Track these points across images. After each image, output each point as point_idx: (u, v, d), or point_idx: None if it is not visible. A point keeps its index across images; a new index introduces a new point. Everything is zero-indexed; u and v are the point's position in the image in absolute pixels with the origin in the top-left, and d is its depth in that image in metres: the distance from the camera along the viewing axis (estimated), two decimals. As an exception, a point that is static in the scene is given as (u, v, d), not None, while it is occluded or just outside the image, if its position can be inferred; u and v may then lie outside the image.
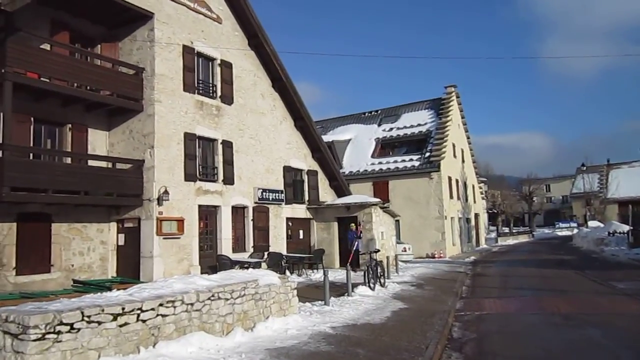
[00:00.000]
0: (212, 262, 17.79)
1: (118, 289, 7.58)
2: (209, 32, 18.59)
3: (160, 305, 7.03)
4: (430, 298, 14.73)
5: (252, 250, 19.69)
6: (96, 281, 9.00)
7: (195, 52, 17.88)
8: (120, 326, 6.45)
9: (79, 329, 5.95)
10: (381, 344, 8.76)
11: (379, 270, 15.95)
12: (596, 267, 22.18)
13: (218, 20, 19.01)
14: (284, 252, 20.83)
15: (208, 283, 8.23)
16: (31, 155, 14.31)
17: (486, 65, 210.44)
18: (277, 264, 18.35)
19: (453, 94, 36.48)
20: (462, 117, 39.41)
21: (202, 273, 17.28)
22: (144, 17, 16.30)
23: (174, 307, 7.25)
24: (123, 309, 6.48)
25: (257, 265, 17.50)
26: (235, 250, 18.90)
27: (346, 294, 13.85)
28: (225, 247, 18.46)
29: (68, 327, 5.84)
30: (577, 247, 36.49)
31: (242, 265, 17.46)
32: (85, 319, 6.04)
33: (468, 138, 40.94)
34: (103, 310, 6.25)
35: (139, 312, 6.71)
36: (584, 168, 45.21)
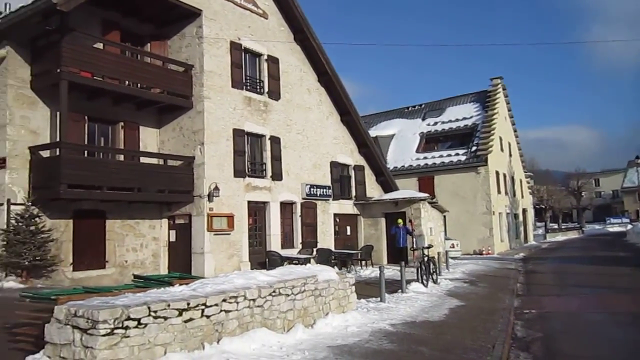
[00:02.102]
0: (261, 259, 17.78)
1: (180, 285, 7.51)
2: (256, 27, 18.55)
3: (224, 300, 6.91)
4: (485, 295, 14.32)
5: (300, 246, 19.59)
6: (156, 276, 8.98)
7: (243, 48, 17.88)
8: (185, 322, 6.36)
9: (146, 324, 5.87)
10: (444, 342, 8.48)
11: (431, 266, 15.61)
12: (657, 265, 21.15)
13: (264, 15, 18.95)
14: (332, 249, 20.65)
15: (268, 279, 8.09)
16: (86, 152, 14.55)
17: (528, 60, 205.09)
18: (326, 260, 18.16)
19: (499, 86, 35.50)
20: (509, 110, 38.39)
21: (252, 269, 17.33)
22: (192, 14, 16.37)
23: (237, 302, 7.13)
24: (188, 304, 6.39)
25: (306, 262, 17.33)
26: (283, 246, 18.83)
27: (400, 290, 13.60)
28: (274, 243, 18.41)
29: (135, 322, 5.77)
30: (632, 244, 34.94)
31: (292, 261, 17.38)
32: (152, 314, 5.96)
33: (515, 131, 39.85)
34: (169, 306, 6.16)
35: (203, 307, 6.60)
36: (638, 161, 43.26)
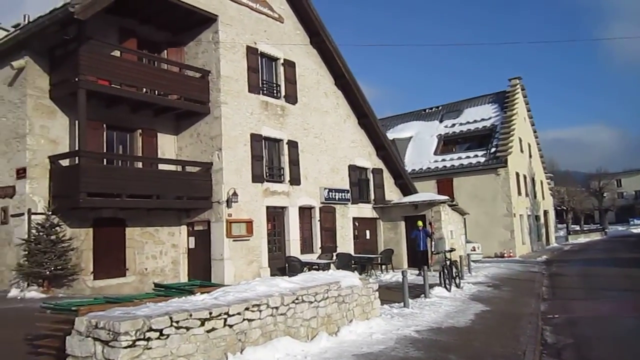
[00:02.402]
0: (280, 264, 17.63)
1: (201, 293, 7.36)
2: (271, 32, 18.46)
3: (246, 309, 6.74)
4: (510, 300, 14.01)
5: (319, 251, 19.41)
6: (177, 285, 8.86)
7: (259, 52, 17.80)
8: (208, 331, 6.19)
9: (168, 335, 5.71)
10: (473, 349, 8.22)
11: (454, 270, 15.32)
12: (685, 267, 20.59)
13: (280, 19, 18.86)
14: (352, 253, 20.42)
15: (291, 285, 7.91)
16: (105, 161, 14.55)
17: (545, 61, 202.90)
18: (346, 265, 17.95)
19: (518, 86, 35.03)
20: (528, 110, 37.87)
21: (271, 275, 17.19)
22: (208, 20, 16.33)
23: (260, 311, 6.95)
24: (210, 313, 6.23)
25: (326, 267, 17.17)
26: (303, 251, 18.66)
27: (422, 295, 13.32)
28: (294, 248, 18.25)
29: (157, 333, 5.61)
30: (658, 245, 34.24)
31: (312, 266, 17.20)
32: (174, 324, 5.80)
33: (534, 132, 39.29)
34: (191, 315, 6.00)
35: (225, 316, 6.42)
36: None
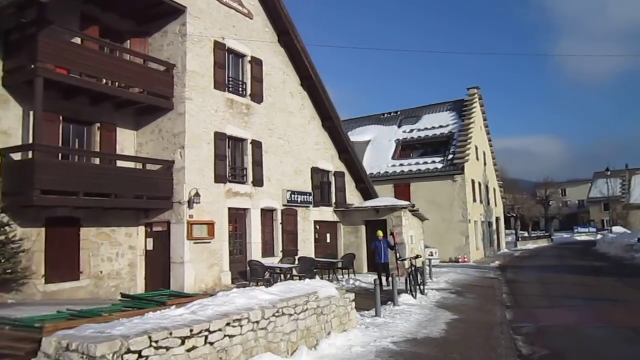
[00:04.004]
0: (242, 268, 17.12)
1: (175, 305, 6.82)
2: (240, 27, 17.86)
3: (227, 324, 6.26)
4: (476, 307, 14.08)
5: (281, 254, 18.95)
6: (146, 295, 8.24)
7: (226, 48, 17.16)
8: (188, 350, 5.68)
9: (147, 357, 5.18)
10: (454, 362, 8.03)
11: (418, 277, 15.23)
12: (635, 275, 21.29)
13: (249, 15, 18.28)
14: (313, 256, 20.04)
15: (270, 297, 7.47)
16: (60, 156, 13.61)
17: (498, 70, 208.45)
18: (308, 269, 17.56)
19: (476, 95, 35.65)
20: (484, 120, 38.61)
21: (232, 279, 16.67)
22: (175, 11, 15.58)
23: (241, 326, 6.48)
24: (191, 330, 5.72)
25: (288, 271, 16.77)
26: (264, 254, 18.13)
27: (391, 303, 13.13)
28: (255, 251, 17.72)
29: (136, 356, 5.07)
30: (603, 253, 35.49)
31: (274, 271, 16.74)
32: (153, 344, 5.26)
33: (489, 140, 40.07)
34: (171, 334, 5.47)
35: (206, 333, 5.93)
36: (608, 172, 44.14)
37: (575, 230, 66.82)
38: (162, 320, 5.86)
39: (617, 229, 42.55)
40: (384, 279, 17.04)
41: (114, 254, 15.01)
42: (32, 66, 12.10)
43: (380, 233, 18.29)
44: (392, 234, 20.54)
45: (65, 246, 13.59)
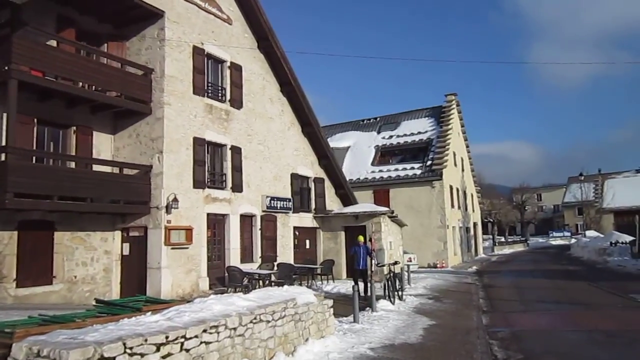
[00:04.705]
0: (220, 274, 17.00)
1: (151, 311, 6.73)
2: (219, 33, 17.81)
3: (204, 331, 6.19)
4: (453, 312, 14.16)
5: (260, 260, 18.87)
6: (120, 301, 8.11)
7: (205, 53, 17.09)
8: (164, 357, 5.59)
9: (121, 364, 5.10)
10: (431, 368, 8.07)
11: (397, 283, 15.26)
12: (607, 279, 21.66)
13: (228, 21, 18.24)
14: (292, 262, 19.98)
15: (248, 303, 7.42)
16: (34, 159, 13.39)
17: (474, 75, 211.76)
18: (287, 275, 17.51)
19: (454, 102, 36.05)
20: (462, 126, 39.01)
21: (210, 285, 16.53)
22: (154, 15, 15.48)
23: (218, 332, 6.42)
24: (167, 337, 5.64)
25: (267, 277, 16.69)
26: (243, 260, 18.04)
27: (369, 309, 13.13)
28: (234, 257, 17.62)
29: (109, 363, 4.99)
30: (577, 257, 36.11)
31: (253, 277, 16.65)
32: (127, 351, 5.18)
33: (467, 147, 40.51)
34: (146, 341, 5.39)
35: (182, 340, 5.85)
36: (582, 177, 44.99)
37: (551, 234, 67.95)
38: (138, 327, 5.77)
39: (591, 233, 43.27)
40: (361, 285, 17.01)
41: (89, 259, 14.79)
42: (6, 68, 11.91)
43: (361, 238, 18.04)
44: (370, 239, 20.44)
45: (39, 250, 13.35)
